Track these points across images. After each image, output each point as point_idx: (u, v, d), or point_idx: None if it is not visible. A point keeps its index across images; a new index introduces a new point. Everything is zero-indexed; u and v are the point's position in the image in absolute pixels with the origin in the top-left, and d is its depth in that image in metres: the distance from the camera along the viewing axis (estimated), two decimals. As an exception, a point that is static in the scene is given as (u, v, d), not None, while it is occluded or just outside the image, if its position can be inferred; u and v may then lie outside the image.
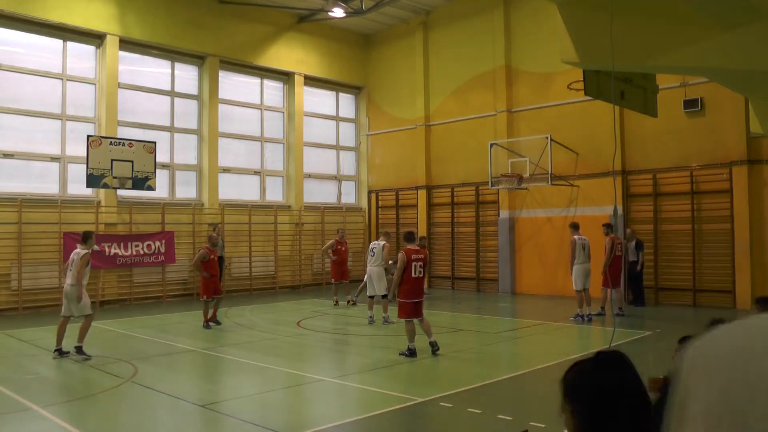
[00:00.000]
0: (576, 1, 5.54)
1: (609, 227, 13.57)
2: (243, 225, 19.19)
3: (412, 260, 9.47)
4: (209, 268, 12.53)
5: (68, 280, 9.75)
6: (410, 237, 10.03)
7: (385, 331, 12.50)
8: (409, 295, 9.49)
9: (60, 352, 9.56)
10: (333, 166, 22.75)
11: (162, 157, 17.51)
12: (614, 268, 13.23)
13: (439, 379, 8.43)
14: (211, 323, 12.42)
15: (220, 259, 17.28)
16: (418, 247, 9.75)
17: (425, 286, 16.68)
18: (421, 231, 20.68)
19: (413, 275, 9.45)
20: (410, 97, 21.46)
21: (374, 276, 13.43)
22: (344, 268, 16.14)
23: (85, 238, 9.94)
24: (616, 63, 5.09)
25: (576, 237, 13.37)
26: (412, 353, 9.45)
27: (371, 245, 13.43)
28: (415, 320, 9.56)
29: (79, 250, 9.79)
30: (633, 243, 15.22)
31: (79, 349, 9.46)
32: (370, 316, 13.04)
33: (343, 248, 16.29)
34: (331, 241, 16.44)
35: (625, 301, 15.60)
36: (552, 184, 16.84)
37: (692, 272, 15.30)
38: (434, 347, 9.54)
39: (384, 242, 13.68)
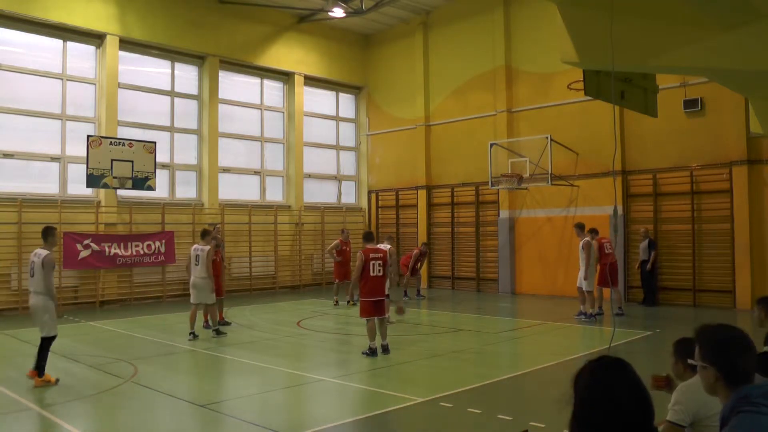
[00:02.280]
0: (576, 1, 5.54)
1: (593, 231, 13.55)
2: (243, 225, 19.19)
3: (370, 259, 9.56)
4: (216, 269, 12.38)
5: (198, 274, 11.31)
6: (368, 237, 10.18)
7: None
8: (369, 294, 9.55)
9: (194, 335, 11.07)
10: (333, 166, 22.75)
11: (162, 157, 17.51)
12: (612, 267, 13.18)
13: (439, 379, 8.43)
14: (220, 326, 12.05)
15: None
16: (376, 247, 9.91)
17: (421, 285, 16.67)
18: (421, 231, 20.70)
19: (372, 274, 9.52)
20: (410, 97, 21.46)
21: None
22: (348, 269, 16.21)
23: (204, 234, 11.72)
24: (616, 63, 5.09)
25: (587, 238, 13.31)
26: (372, 352, 9.49)
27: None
28: (377, 319, 9.61)
29: (202, 246, 11.38)
30: (646, 242, 15.18)
31: (217, 331, 11.37)
32: None
33: (348, 249, 16.47)
34: (336, 242, 16.51)
35: (625, 300, 15.62)
36: (552, 184, 16.84)
37: (692, 272, 15.30)
38: (385, 350, 9.61)
39: (388, 246, 13.58)
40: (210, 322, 11.52)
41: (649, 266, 15.10)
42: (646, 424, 2.00)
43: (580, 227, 13.66)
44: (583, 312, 13.01)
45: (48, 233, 8.72)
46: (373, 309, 9.57)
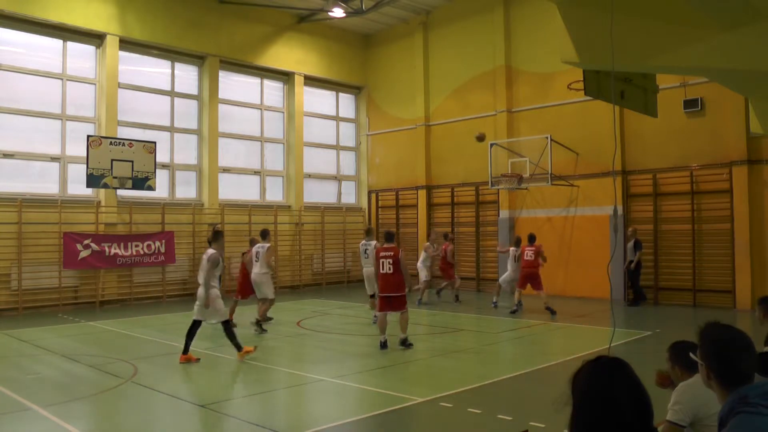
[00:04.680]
0: (576, 1, 5.54)
1: (532, 237, 14.70)
2: (243, 225, 19.19)
3: (380, 257, 10.23)
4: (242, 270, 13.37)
5: (259, 269, 11.91)
6: (389, 236, 10.66)
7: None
8: (380, 290, 10.29)
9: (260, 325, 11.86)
10: (333, 166, 22.74)
11: (162, 157, 17.51)
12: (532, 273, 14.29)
13: (439, 379, 8.43)
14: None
15: None
16: (388, 246, 10.34)
17: (424, 286, 16.46)
18: (422, 231, 20.68)
19: (381, 271, 10.18)
20: (410, 97, 21.46)
21: (373, 276, 13.39)
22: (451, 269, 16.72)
23: (264, 234, 12.37)
24: (616, 63, 5.09)
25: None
26: (382, 346, 9.98)
27: (363, 245, 13.20)
28: (400, 313, 10.14)
29: (263, 244, 12.05)
30: (632, 242, 15.24)
31: (259, 325, 11.86)
32: (375, 315, 12.96)
33: (445, 248, 16.64)
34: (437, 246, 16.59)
35: (626, 301, 15.64)
36: (552, 184, 16.84)
37: (692, 272, 15.30)
38: (403, 343, 10.09)
39: (269, 245, 12.92)
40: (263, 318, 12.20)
41: (632, 265, 15.17)
42: (645, 424, 2.00)
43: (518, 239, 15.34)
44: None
45: (216, 237, 9.78)
46: (382, 304, 10.11)
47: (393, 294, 10.04)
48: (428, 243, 16.57)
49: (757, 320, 5.58)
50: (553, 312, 13.57)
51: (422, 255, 16.46)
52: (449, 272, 16.53)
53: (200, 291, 9.45)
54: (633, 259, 15.16)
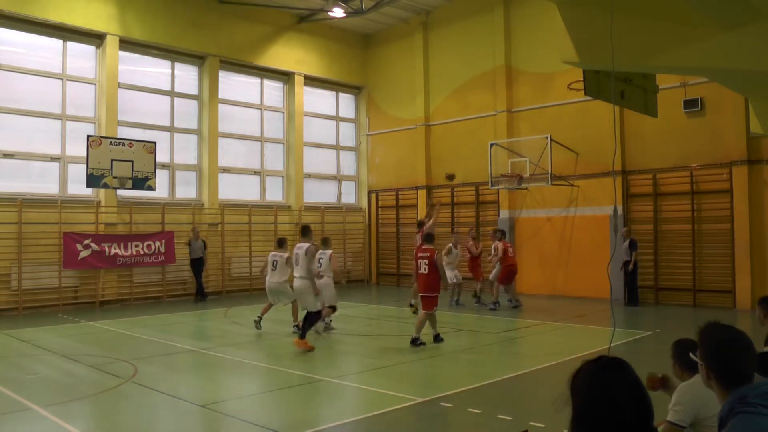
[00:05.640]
0: (576, 1, 5.54)
1: (502, 233, 15.51)
2: (243, 225, 19.19)
3: (418, 258, 10.69)
4: None
5: (297, 274, 10.81)
6: (429, 238, 10.97)
7: (386, 331, 12.53)
8: (420, 290, 10.73)
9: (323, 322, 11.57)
10: (333, 166, 22.74)
11: (162, 157, 17.51)
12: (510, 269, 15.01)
13: (439, 379, 8.43)
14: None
15: (200, 260, 17.25)
16: (427, 247, 10.66)
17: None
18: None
19: (419, 271, 10.60)
20: (410, 97, 21.46)
21: (277, 288, 12.11)
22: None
23: (305, 231, 11.18)
24: (616, 63, 5.09)
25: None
26: (436, 338, 10.53)
27: (272, 256, 12.08)
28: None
29: (302, 244, 10.91)
30: (626, 243, 15.16)
31: (298, 327, 11.14)
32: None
33: (506, 249, 15.44)
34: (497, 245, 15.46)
35: (626, 300, 15.61)
36: (552, 184, 16.84)
37: (692, 272, 15.30)
38: (437, 338, 10.57)
39: (330, 251, 12.35)
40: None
41: (630, 266, 15.06)
42: (646, 425, 2.00)
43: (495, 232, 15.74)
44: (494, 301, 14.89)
45: (306, 231, 10.69)
46: (433, 302, 10.45)
47: (427, 294, 10.40)
48: (450, 245, 15.45)
49: (757, 320, 5.58)
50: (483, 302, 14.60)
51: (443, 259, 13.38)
52: (478, 271, 16.14)
53: (298, 283, 10.49)
54: (630, 260, 15.03)
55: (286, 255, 11.91)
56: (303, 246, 10.45)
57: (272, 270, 11.91)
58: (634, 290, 15.27)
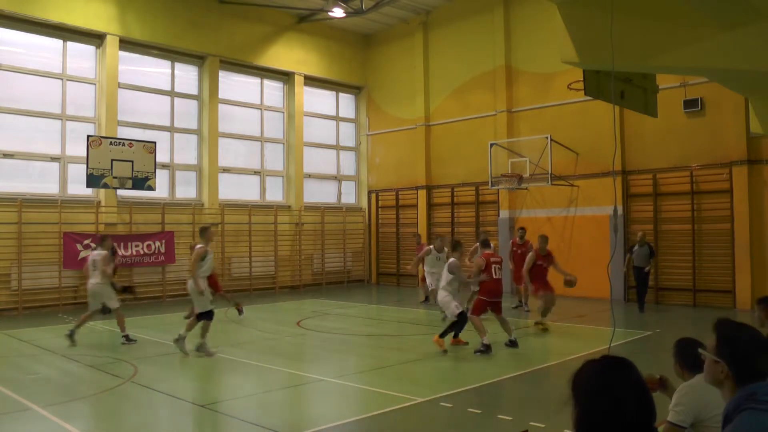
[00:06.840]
0: (576, 1, 5.54)
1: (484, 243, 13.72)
2: (243, 225, 19.19)
3: (491, 263, 10.16)
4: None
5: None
6: (486, 243, 10.92)
7: (386, 331, 12.52)
8: (493, 296, 10.25)
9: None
10: (333, 166, 22.74)
11: (162, 157, 17.51)
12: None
13: (439, 379, 8.43)
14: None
15: None
16: (493, 252, 10.52)
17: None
18: (422, 231, 20.66)
19: (494, 276, 10.17)
20: (410, 97, 21.46)
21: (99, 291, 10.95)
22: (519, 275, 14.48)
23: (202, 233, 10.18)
24: (616, 63, 5.09)
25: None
26: (487, 349, 9.89)
27: (93, 255, 11.15)
28: (498, 317, 10.30)
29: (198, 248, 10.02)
30: (645, 248, 14.37)
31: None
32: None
33: (521, 251, 14.86)
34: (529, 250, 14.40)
35: (625, 302, 15.61)
36: (552, 184, 16.84)
37: (692, 272, 15.30)
38: (514, 344, 10.18)
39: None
40: None
41: (651, 270, 14.41)
42: (648, 425, 2.00)
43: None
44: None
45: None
46: (497, 308, 10.21)
47: (501, 299, 10.28)
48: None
49: (756, 320, 5.57)
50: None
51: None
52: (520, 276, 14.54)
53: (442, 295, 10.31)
54: (649, 268, 14.28)
55: (104, 253, 10.82)
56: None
57: (93, 270, 10.83)
58: (644, 296, 14.61)
